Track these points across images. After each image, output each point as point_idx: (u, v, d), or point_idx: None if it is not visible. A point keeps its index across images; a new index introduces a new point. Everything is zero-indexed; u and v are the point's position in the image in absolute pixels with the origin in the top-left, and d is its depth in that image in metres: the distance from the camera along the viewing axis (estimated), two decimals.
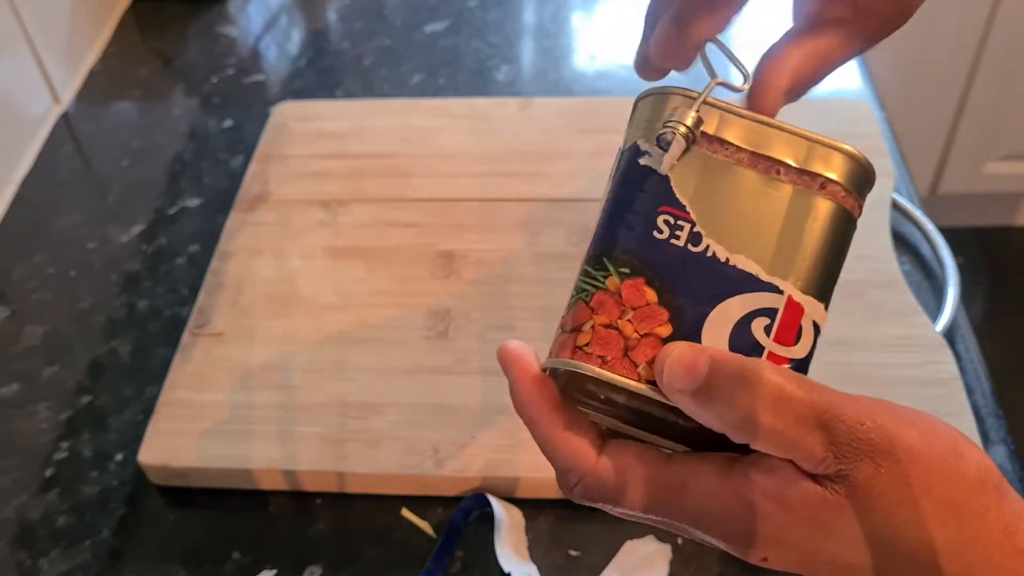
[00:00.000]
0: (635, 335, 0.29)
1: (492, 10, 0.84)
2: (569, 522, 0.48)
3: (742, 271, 0.28)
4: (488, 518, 0.48)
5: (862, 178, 0.30)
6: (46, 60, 0.74)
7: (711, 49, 0.36)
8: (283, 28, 0.84)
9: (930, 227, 0.60)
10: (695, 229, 0.29)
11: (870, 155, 0.32)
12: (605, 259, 0.30)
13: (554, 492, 0.49)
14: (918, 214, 0.61)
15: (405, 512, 0.49)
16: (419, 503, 0.49)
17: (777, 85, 0.34)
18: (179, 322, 0.59)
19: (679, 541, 0.47)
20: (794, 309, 0.29)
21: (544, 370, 0.30)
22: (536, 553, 0.47)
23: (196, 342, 0.55)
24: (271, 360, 0.54)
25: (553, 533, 0.48)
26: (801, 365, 0.29)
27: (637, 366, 0.28)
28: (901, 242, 0.60)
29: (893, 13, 0.34)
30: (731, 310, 0.28)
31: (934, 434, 0.27)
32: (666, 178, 0.29)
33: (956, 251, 0.58)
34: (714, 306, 0.28)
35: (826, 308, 0.29)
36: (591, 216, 0.61)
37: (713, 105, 0.30)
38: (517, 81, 0.76)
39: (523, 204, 0.62)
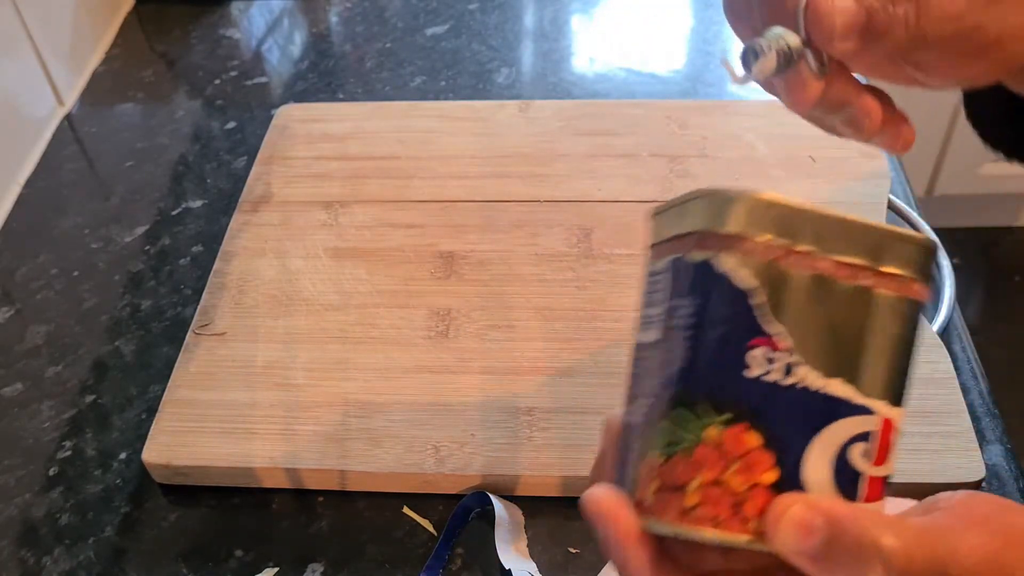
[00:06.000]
0: (743, 487, 0.26)
1: (492, 13, 0.84)
2: (568, 520, 0.48)
3: (837, 397, 0.27)
4: (488, 516, 0.48)
5: (929, 264, 0.28)
6: (49, 62, 0.75)
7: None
8: (285, 31, 0.85)
9: (926, 228, 0.60)
10: (789, 359, 0.26)
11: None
12: (700, 405, 0.26)
13: (554, 490, 0.49)
14: (915, 215, 0.61)
15: (406, 510, 0.49)
16: (420, 501, 0.50)
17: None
18: (182, 322, 0.59)
19: None
20: (887, 427, 0.27)
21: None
22: (536, 551, 0.47)
23: (199, 342, 0.56)
24: (273, 359, 0.54)
25: (553, 531, 0.48)
26: (889, 478, 0.28)
27: (749, 520, 0.26)
28: None
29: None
30: (829, 440, 0.27)
31: None
32: (752, 306, 0.26)
33: (952, 252, 0.59)
34: (812, 439, 0.27)
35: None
36: (590, 217, 0.61)
37: (792, 208, 0.26)
38: (517, 83, 0.76)
39: (523, 205, 0.63)
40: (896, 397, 0.27)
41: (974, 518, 0.26)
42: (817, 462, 0.27)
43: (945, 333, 0.55)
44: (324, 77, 0.79)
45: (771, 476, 0.27)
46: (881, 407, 0.27)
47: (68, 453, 0.54)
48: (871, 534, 0.25)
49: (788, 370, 0.26)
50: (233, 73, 0.80)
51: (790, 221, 0.26)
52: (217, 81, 0.79)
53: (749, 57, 0.28)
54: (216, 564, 0.48)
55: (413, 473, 0.49)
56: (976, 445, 0.48)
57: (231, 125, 0.75)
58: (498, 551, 0.46)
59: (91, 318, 0.61)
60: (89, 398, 0.56)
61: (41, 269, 0.64)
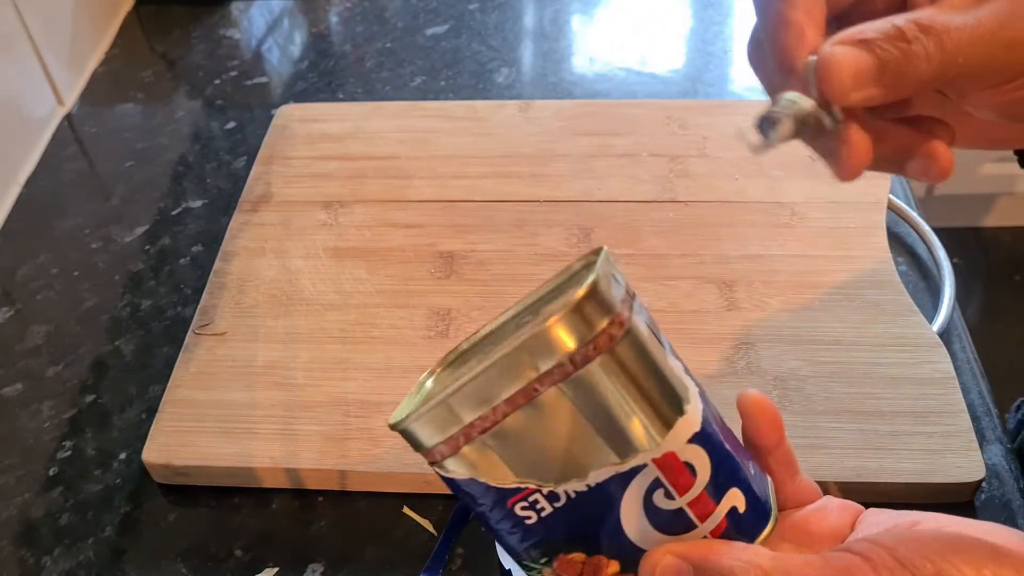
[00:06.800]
0: None
1: (492, 13, 0.84)
2: None
3: (605, 480, 0.28)
4: None
5: (601, 291, 0.26)
6: (50, 62, 0.75)
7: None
8: (285, 31, 0.85)
9: (926, 228, 0.60)
10: (544, 492, 0.28)
11: None
12: (525, 563, 0.30)
13: None
14: (914, 215, 0.61)
15: (406, 510, 0.49)
16: (420, 501, 0.50)
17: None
18: (182, 322, 0.59)
19: None
20: (667, 460, 0.28)
21: None
22: None
23: (199, 341, 0.56)
24: (273, 359, 0.54)
25: None
26: (717, 476, 0.28)
27: None
28: (898, 243, 0.60)
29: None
30: (630, 509, 0.28)
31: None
32: (484, 484, 0.28)
33: (952, 251, 0.59)
34: (618, 520, 0.28)
35: (685, 408, 0.28)
36: (590, 217, 0.61)
37: (451, 391, 0.27)
38: (517, 83, 0.76)
39: (523, 205, 0.63)
40: (664, 427, 0.27)
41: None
42: (640, 531, 0.28)
43: (945, 333, 0.55)
44: (324, 77, 0.79)
45: (614, 567, 0.29)
46: (649, 455, 0.27)
47: (68, 453, 0.54)
48: (736, 571, 0.27)
49: (552, 497, 0.28)
50: (233, 73, 0.80)
51: (455, 406, 0.27)
52: (217, 81, 0.79)
53: (765, 126, 0.29)
54: (216, 564, 0.48)
55: (413, 473, 0.49)
56: (976, 445, 0.48)
57: (231, 125, 0.75)
58: (498, 551, 0.46)
59: (91, 318, 0.61)
60: (89, 398, 0.56)
61: (41, 269, 0.64)
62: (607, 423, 0.27)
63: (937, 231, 0.60)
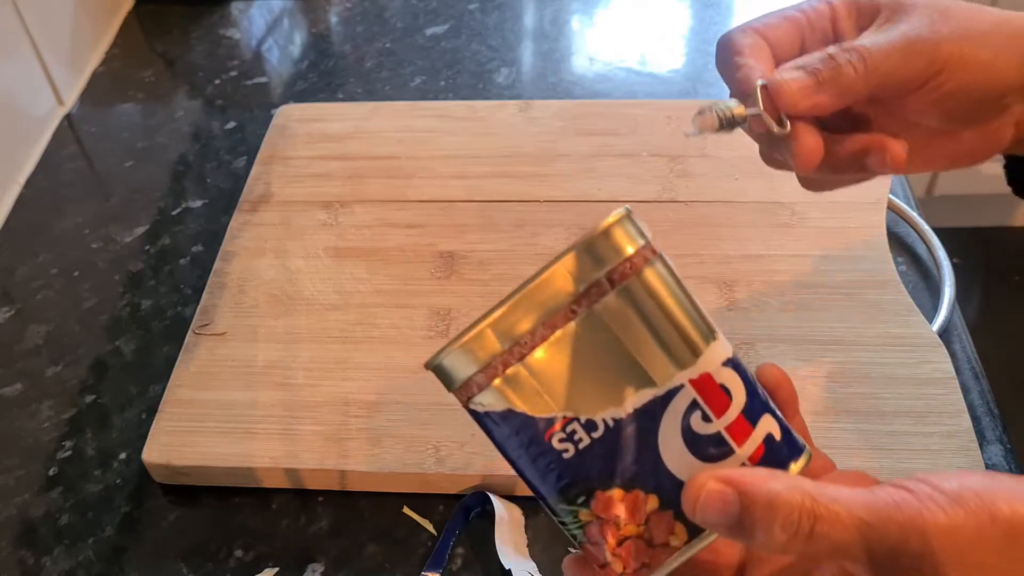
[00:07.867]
0: (642, 527, 0.29)
1: (492, 13, 0.85)
2: None
3: (643, 406, 0.28)
4: (488, 516, 0.48)
5: (628, 222, 0.28)
6: (49, 62, 0.75)
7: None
8: (285, 31, 0.85)
9: (926, 228, 0.60)
10: (582, 420, 0.28)
11: None
12: (560, 506, 0.29)
13: None
14: (915, 215, 0.61)
15: (406, 510, 0.49)
16: (420, 501, 0.50)
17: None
18: (182, 322, 0.59)
19: None
20: (703, 382, 0.28)
21: None
22: (536, 550, 0.47)
23: (199, 341, 0.56)
24: (273, 359, 0.54)
25: (552, 530, 0.48)
26: (751, 400, 0.29)
27: (669, 543, 0.29)
28: (898, 243, 0.60)
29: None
30: (668, 437, 0.28)
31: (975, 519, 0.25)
32: (521, 414, 0.28)
33: (952, 251, 0.59)
34: (656, 450, 0.28)
35: (716, 335, 0.29)
36: (590, 217, 0.61)
37: (477, 329, 0.28)
38: (517, 83, 0.76)
39: (523, 205, 0.63)
40: (694, 351, 0.28)
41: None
42: (678, 460, 0.28)
43: (945, 333, 0.55)
44: (324, 77, 0.79)
45: (654, 503, 0.29)
46: (685, 375, 0.28)
47: (68, 453, 0.54)
48: (781, 495, 0.26)
49: (590, 427, 0.28)
50: (233, 73, 0.80)
51: (484, 340, 0.28)
52: (217, 81, 0.79)
53: (696, 117, 0.35)
54: (216, 564, 0.48)
55: (413, 473, 0.49)
56: (976, 445, 0.48)
57: (231, 125, 0.75)
58: (498, 551, 0.46)
59: (91, 318, 0.61)
60: (89, 398, 0.56)
61: (41, 269, 0.64)
62: (644, 343, 0.28)
63: (937, 231, 0.60)
